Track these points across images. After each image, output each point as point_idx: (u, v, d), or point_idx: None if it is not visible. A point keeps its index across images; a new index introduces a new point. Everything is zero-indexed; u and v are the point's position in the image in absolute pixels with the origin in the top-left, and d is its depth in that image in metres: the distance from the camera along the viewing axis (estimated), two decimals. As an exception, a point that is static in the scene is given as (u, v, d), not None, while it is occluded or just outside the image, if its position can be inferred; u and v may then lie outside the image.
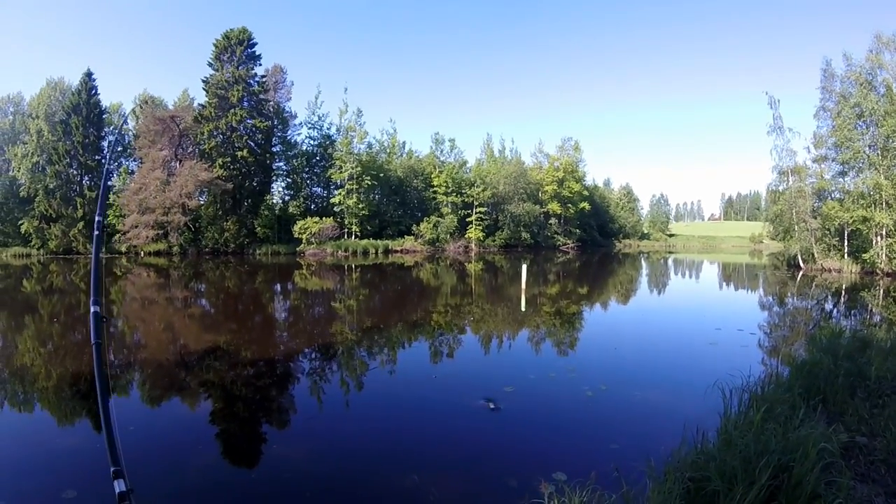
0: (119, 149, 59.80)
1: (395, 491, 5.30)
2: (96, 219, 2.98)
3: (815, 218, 37.52)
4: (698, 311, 19.74)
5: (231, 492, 5.35)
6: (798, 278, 32.47)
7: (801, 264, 38.28)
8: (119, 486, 1.97)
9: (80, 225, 49.36)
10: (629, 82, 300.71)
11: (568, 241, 77.42)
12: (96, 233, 2.91)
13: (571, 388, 8.47)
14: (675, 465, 4.43)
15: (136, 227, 47.54)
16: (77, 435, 6.98)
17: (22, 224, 51.12)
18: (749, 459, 4.06)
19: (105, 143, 55.91)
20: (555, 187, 75.02)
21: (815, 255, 37.26)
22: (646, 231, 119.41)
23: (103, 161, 55.12)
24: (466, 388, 8.52)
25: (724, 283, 34.21)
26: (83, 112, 51.00)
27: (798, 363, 7.69)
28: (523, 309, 18.95)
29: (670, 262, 55.91)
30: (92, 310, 2.50)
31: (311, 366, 11.06)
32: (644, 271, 42.94)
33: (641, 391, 8.40)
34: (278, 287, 28.36)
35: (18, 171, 53.88)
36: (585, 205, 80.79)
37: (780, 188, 41.42)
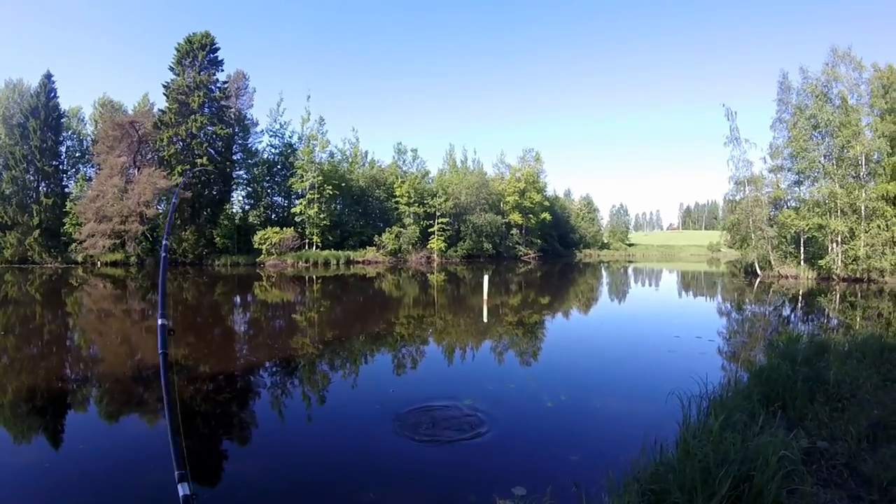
0: (77, 154, 58.51)
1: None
2: (163, 242, 3.32)
3: (772, 226, 38.63)
4: (657, 320, 20.07)
5: None
6: (755, 285, 33.29)
7: (759, 271, 39.28)
8: (183, 489, 2.03)
9: (37, 233, 47.95)
10: (590, 94, 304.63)
11: (529, 252, 77.87)
12: (163, 255, 3.22)
13: (532, 398, 8.53)
14: (634, 477, 4.46)
15: (93, 235, 46.38)
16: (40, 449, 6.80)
17: (-26, 232, 49.38)
18: (709, 470, 4.05)
19: (63, 149, 54.69)
20: (516, 198, 75.44)
21: (772, 262, 38.32)
22: (606, 241, 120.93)
23: (61, 167, 54.06)
24: (426, 401, 8.45)
25: (683, 291, 34.84)
26: (41, 115, 49.77)
27: (756, 369, 7.78)
28: (485, 319, 19.04)
29: (630, 271, 56.76)
30: (159, 322, 2.83)
31: (270, 380, 10.97)
32: (604, 280, 43.55)
33: (602, 401, 8.53)
34: (238, 299, 28.02)
35: (-29, 176, 51.98)
36: (546, 215, 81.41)
37: (737, 197, 42.63)
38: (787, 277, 35.96)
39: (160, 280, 2.98)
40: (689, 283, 42.09)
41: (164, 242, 3.29)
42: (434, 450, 6.50)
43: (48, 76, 51.42)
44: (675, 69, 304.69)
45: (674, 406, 6.14)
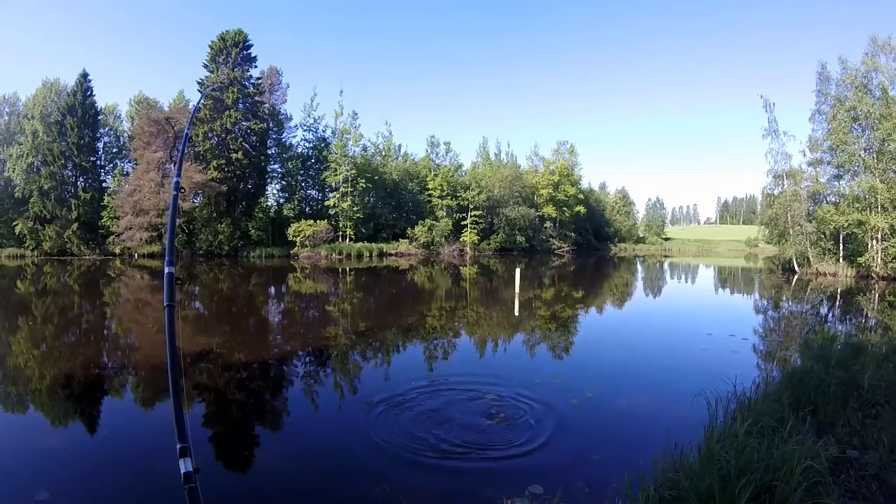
0: (114, 150, 59.61)
1: (363, 499, 5.25)
2: (174, 180, 3.04)
3: (811, 221, 37.61)
4: (691, 316, 19.73)
5: (226, 491, 5.33)
6: (793, 282, 32.55)
7: (797, 268, 38.34)
8: (185, 465, 1.91)
9: (75, 226, 49.26)
10: (625, 86, 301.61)
11: (563, 245, 77.29)
12: (174, 192, 3.00)
13: (557, 394, 8.33)
14: (652, 481, 4.34)
15: (130, 228, 47.38)
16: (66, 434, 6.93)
17: (16, 225, 51.04)
18: (728, 478, 3.87)
19: (100, 145, 55.80)
20: (550, 191, 74.90)
21: (811, 259, 37.36)
22: (641, 235, 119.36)
23: (98, 162, 55.19)
24: (450, 393, 8.45)
25: (719, 287, 34.27)
26: (78, 113, 50.91)
27: (788, 371, 7.53)
28: (517, 313, 18.93)
29: (665, 266, 56.00)
30: (166, 270, 2.53)
31: (303, 369, 11.04)
32: (638, 275, 43.01)
33: (627, 399, 8.32)
34: (272, 290, 28.31)
35: (13, 172, 53.47)
36: (581, 208, 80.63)
37: (776, 192, 41.45)
38: (825, 275, 35.02)
39: (169, 223, 2.80)
40: (724, 278, 41.36)
41: (174, 179, 3.06)
42: (453, 442, 6.42)
43: (84, 75, 52.56)
44: (714, 60, 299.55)
45: (699, 408, 6.00)
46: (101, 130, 57.14)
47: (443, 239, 63.07)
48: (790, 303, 23.67)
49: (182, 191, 2.90)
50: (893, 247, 31.18)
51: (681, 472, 4.25)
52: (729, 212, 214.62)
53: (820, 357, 7.71)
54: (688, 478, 4.07)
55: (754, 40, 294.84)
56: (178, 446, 1.94)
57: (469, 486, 5.42)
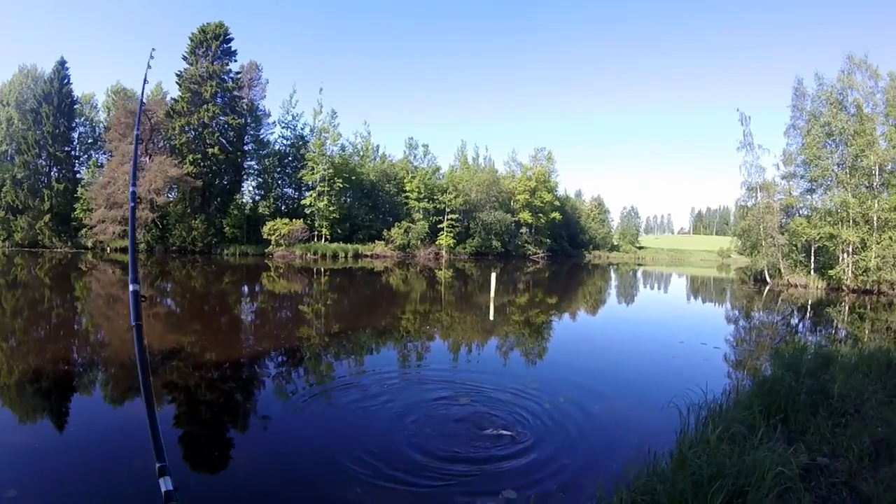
0: (89, 140, 58.71)
1: (335, 501, 5.28)
2: (130, 189, 2.96)
3: (783, 234, 38.33)
4: (663, 324, 19.96)
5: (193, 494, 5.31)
6: (764, 293, 33.05)
7: (768, 279, 38.98)
8: (165, 484, 1.84)
9: (47, 218, 48.43)
10: (603, 95, 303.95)
11: (538, 251, 77.61)
12: (131, 204, 2.88)
13: (530, 399, 8.38)
14: (625, 486, 4.36)
15: (103, 221, 46.70)
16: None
17: (-13, 215, 49.87)
18: (701, 483, 3.93)
19: (75, 135, 54.92)
20: (527, 196, 75.23)
21: (782, 271, 38.00)
22: (616, 243, 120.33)
23: (73, 153, 54.33)
24: (424, 397, 8.48)
25: (691, 297, 34.68)
26: (55, 101, 50.13)
27: (759, 380, 7.64)
28: (492, 318, 19.01)
29: (639, 274, 56.48)
30: (131, 288, 2.46)
31: (274, 370, 10.99)
32: (612, 283, 43.37)
33: (600, 405, 8.37)
34: (245, 288, 28.10)
35: (-16, 160, 52.37)
36: (557, 215, 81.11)
37: (749, 203, 42.26)
38: (796, 286, 35.65)
39: (130, 239, 2.70)
40: (697, 288, 41.88)
41: (131, 189, 2.95)
42: (425, 446, 6.43)
43: (62, 62, 51.77)
44: (691, 72, 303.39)
45: (671, 415, 6.04)
46: (77, 120, 56.31)
47: (419, 241, 63.06)
48: (761, 313, 24.02)
49: (138, 201, 2.87)
50: (864, 260, 31.83)
51: (654, 477, 4.30)
52: (703, 222, 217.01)
53: (791, 366, 7.85)
54: (661, 482, 4.12)
55: (732, 53, 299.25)
56: (157, 465, 1.88)
57: (442, 491, 5.42)
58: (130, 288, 2.45)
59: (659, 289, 40.51)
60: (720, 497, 3.75)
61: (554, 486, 5.45)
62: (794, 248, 38.09)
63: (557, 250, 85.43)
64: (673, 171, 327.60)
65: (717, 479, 3.92)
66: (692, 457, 4.41)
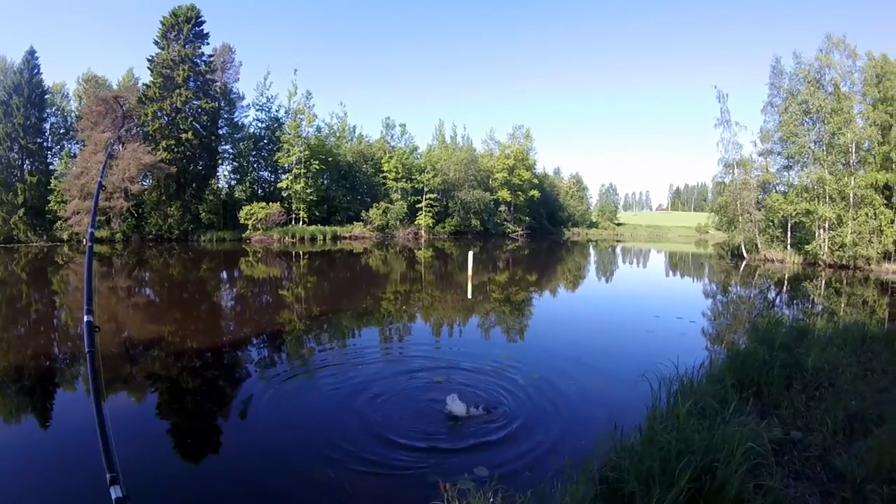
0: (61, 131, 57.55)
1: (311, 479, 5.41)
2: (89, 230, 3.06)
3: (760, 209, 38.82)
4: (640, 299, 20.21)
5: (178, 486, 5.39)
6: (741, 268, 33.52)
7: (745, 254, 39.49)
8: (115, 492, 1.96)
9: (21, 212, 47.30)
10: (581, 72, 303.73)
11: (517, 229, 77.74)
12: (89, 244, 2.98)
13: (505, 377, 8.55)
14: (594, 463, 4.42)
15: (78, 213, 45.71)
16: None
17: (-49, 212, 48.75)
18: (668, 459, 3.89)
19: (47, 125, 53.82)
20: (505, 175, 75.13)
21: (759, 246, 38.53)
22: (594, 220, 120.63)
23: (45, 144, 53.12)
24: (400, 377, 8.62)
25: (669, 272, 35.09)
26: (24, 92, 48.72)
27: (731, 354, 7.67)
28: (469, 296, 19.11)
29: (617, 250, 56.96)
30: (85, 319, 2.61)
31: (255, 354, 11.11)
32: (591, 259, 43.75)
33: (574, 380, 8.55)
34: (224, 275, 28.00)
35: (-45, 155, 51.06)
36: (535, 193, 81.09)
37: (726, 180, 42.65)
38: (773, 261, 36.15)
39: (86, 271, 2.83)
40: (675, 263, 42.36)
41: (89, 230, 3.07)
42: (400, 426, 6.54)
43: (31, 52, 50.23)
44: (669, 48, 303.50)
45: (645, 389, 6.01)
46: (48, 110, 54.86)
47: (398, 222, 62.87)
48: (738, 287, 24.37)
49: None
50: (840, 236, 32.30)
51: (622, 454, 4.29)
52: (681, 198, 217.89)
53: (765, 340, 7.88)
54: (628, 458, 4.11)
55: (711, 29, 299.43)
56: (108, 475, 2.01)
57: (414, 469, 5.52)
58: (85, 318, 2.62)
59: (637, 264, 40.93)
60: (688, 473, 3.71)
61: (526, 462, 5.54)
62: (771, 223, 38.62)
63: (537, 228, 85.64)
64: (651, 148, 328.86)
65: (685, 455, 3.89)
66: (661, 432, 4.35)
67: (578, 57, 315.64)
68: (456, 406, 6.71)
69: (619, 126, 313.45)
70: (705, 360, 8.71)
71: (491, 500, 3.84)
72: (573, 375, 8.80)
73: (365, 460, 5.69)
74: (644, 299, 20.18)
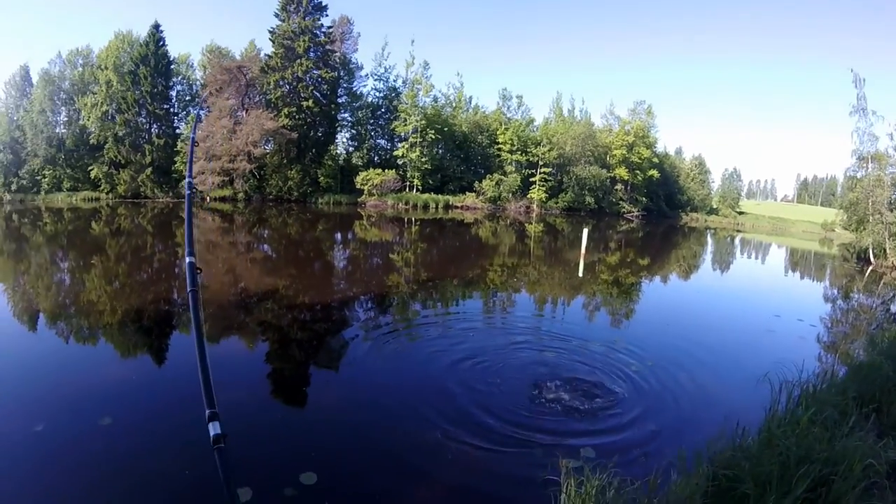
0: (187, 98, 60.69)
1: (418, 442, 5.34)
2: (187, 180, 3.22)
3: (892, 211, 35.24)
4: (759, 295, 18.88)
5: (283, 429, 5.46)
6: (866, 273, 30.75)
7: (872, 259, 36.01)
8: (214, 428, 1.97)
9: (149, 171, 50.81)
10: (709, 50, 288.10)
11: (633, 209, 74.95)
12: (188, 192, 3.10)
13: (616, 360, 8.13)
14: (708, 458, 4.27)
15: (203, 173, 48.43)
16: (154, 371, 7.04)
17: (91, 170, 53.07)
18: (788, 465, 3.77)
19: (173, 93, 56.92)
20: (624, 152, 72.29)
21: (888, 251, 35.07)
22: (715, 206, 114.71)
23: (171, 110, 56.41)
24: (509, 351, 8.36)
25: (789, 269, 32.78)
26: (151, 63, 51.91)
27: (855, 364, 7.15)
28: (581, 275, 18.47)
29: (737, 241, 54.00)
30: (187, 260, 2.63)
31: (363, 315, 11.07)
32: (709, 248, 41.66)
33: (688, 372, 7.99)
34: (338, 236, 28.54)
35: (88, 120, 54.91)
36: (654, 172, 77.70)
37: (859, 175, 38.88)
38: (901, 270, 32.89)
39: (186, 216, 2.81)
40: (796, 261, 39.54)
41: (188, 180, 3.20)
42: (509, 401, 6.31)
43: (156, 26, 53.39)
44: (802, 27, 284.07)
45: (762, 389, 5.77)
46: (174, 79, 58.31)
47: (510, 194, 62.22)
48: (860, 295, 22.35)
49: (193, 190, 2.96)
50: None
51: (738, 453, 4.16)
52: (808, 191, 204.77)
53: (889, 354, 7.28)
54: (745, 459, 4.01)
55: (846, 7, 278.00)
56: (207, 412, 2.03)
57: (523, 446, 5.33)
58: (187, 260, 2.65)
59: (756, 258, 38.55)
60: (805, 483, 3.59)
61: (636, 450, 5.36)
62: None
63: (653, 209, 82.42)
64: (780, 133, 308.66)
65: (804, 464, 3.76)
66: (780, 437, 4.23)
67: (706, 30, 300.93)
68: None
69: (747, 108, 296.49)
70: (823, 366, 8.09)
71: (606, 480, 3.69)
72: (687, 367, 8.20)
73: (472, 429, 5.55)
74: (762, 296, 18.83)
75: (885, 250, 34.88)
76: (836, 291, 22.93)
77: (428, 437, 5.33)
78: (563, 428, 5.71)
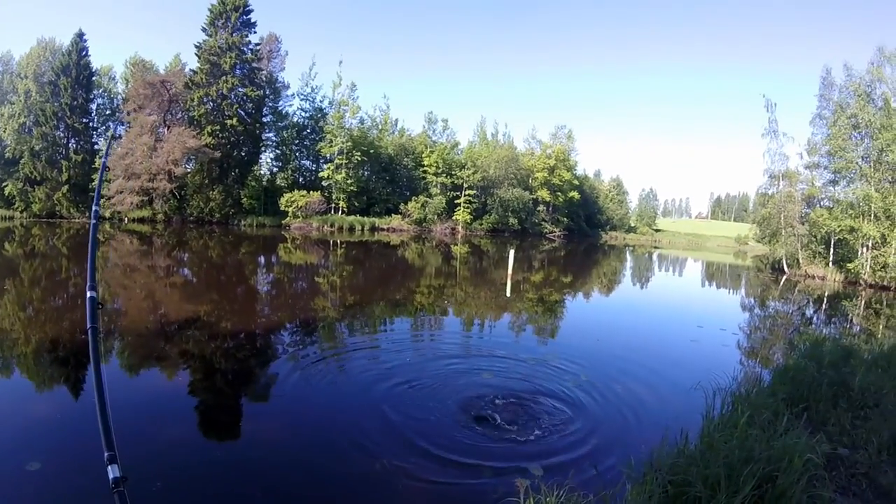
0: (107, 112, 58.92)
1: (359, 476, 5.19)
2: (94, 208, 3.00)
3: (803, 224, 37.52)
4: (681, 308, 19.81)
5: (207, 469, 5.30)
6: (781, 282, 32.61)
7: (786, 269, 38.29)
8: (113, 471, 1.94)
9: (65, 188, 48.72)
10: (625, 74, 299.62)
11: (555, 230, 76.74)
12: (93, 221, 2.88)
13: (552, 378, 8.32)
14: (655, 467, 4.40)
15: (121, 192, 46.90)
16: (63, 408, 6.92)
17: (5, 186, 50.80)
18: (733, 466, 3.97)
19: (93, 106, 55.13)
20: (545, 174, 74.19)
21: (800, 261, 37.27)
22: (633, 224, 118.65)
23: (91, 124, 54.53)
24: (445, 373, 8.41)
25: (707, 282, 34.35)
26: (73, 73, 49.93)
27: (781, 368, 7.58)
28: (508, 294, 18.94)
29: (655, 256, 56.03)
30: (88, 294, 2.49)
31: (289, 340, 10.98)
32: (629, 264, 43.14)
33: (623, 385, 8.28)
34: (262, 259, 28.21)
35: (4, 132, 52.85)
36: (575, 194, 80.00)
37: (771, 192, 41.28)
38: (813, 277, 34.84)
39: (90, 247, 2.69)
40: (713, 273, 41.44)
41: (94, 208, 3.00)
42: (448, 423, 6.38)
43: (80, 35, 51.45)
44: (715, 55, 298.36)
45: (696, 398, 6.03)
46: (95, 92, 56.39)
47: (435, 216, 62.79)
48: (777, 302, 23.74)
49: (99, 219, 2.93)
50: (883, 256, 31.16)
51: (683, 459, 4.33)
52: (721, 207, 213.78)
53: (812, 356, 7.87)
54: (691, 464, 4.16)
55: (758, 36, 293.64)
56: (106, 454, 1.99)
57: (465, 466, 5.36)
58: (87, 294, 2.51)
59: (675, 272, 40.18)
60: (752, 481, 3.79)
61: (582, 463, 5.44)
62: (814, 238, 37.19)
63: (574, 229, 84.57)
64: (693, 154, 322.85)
65: (748, 463, 3.95)
66: (720, 440, 4.47)
67: (622, 58, 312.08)
68: None
69: (662, 131, 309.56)
70: (750, 372, 8.68)
71: (564, 497, 3.85)
72: (621, 380, 8.52)
73: (413, 454, 5.59)
74: (684, 308, 19.79)
75: (797, 260, 37.12)
76: (753, 300, 24.26)
77: (371, 468, 5.26)
78: (508, 448, 5.77)
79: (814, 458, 4.19)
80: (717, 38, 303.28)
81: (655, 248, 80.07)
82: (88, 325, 2.41)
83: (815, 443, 4.61)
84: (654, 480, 4.07)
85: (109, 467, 1.95)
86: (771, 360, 10.75)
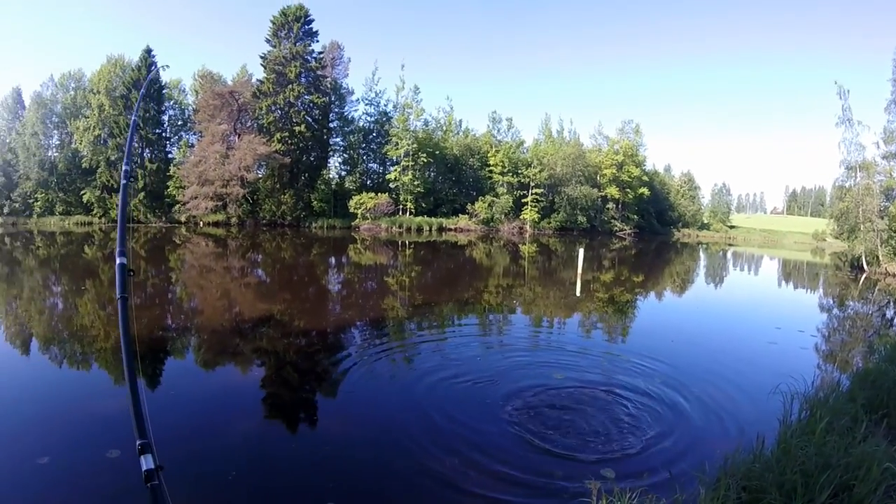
0: (179, 123, 60.98)
1: (434, 471, 5.11)
2: (123, 168, 2.79)
3: (882, 218, 35.30)
4: (757, 308, 18.92)
5: (275, 463, 5.27)
6: (860, 281, 30.81)
7: (865, 266, 36.02)
8: (146, 462, 1.69)
9: (141, 195, 50.83)
10: (693, 67, 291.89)
11: (625, 227, 75.14)
12: (123, 182, 2.74)
13: (624, 379, 8.09)
14: (729, 472, 4.25)
15: (196, 198, 48.57)
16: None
17: (84, 194, 53.42)
18: (810, 473, 3.85)
19: (165, 118, 57.17)
20: (613, 171, 72.64)
21: (880, 258, 35.09)
22: (706, 221, 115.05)
23: (164, 134, 56.85)
24: (516, 371, 8.33)
25: (784, 281, 32.84)
26: (143, 87, 52.13)
27: (861, 372, 7.17)
28: (578, 293, 18.49)
29: (730, 254, 54.09)
30: (118, 261, 2.32)
31: (359, 338, 10.96)
32: (702, 263, 41.75)
33: (697, 387, 7.95)
34: (332, 260, 28.47)
35: (80, 144, 55.52)
36: (644, 190, 78.12)
37: (847, 184, 38.97)
38: (894, 276, 32.88)
39: (119, 213, 2.58)
40: (789, 272, 39.62)
41: (124, 167, 2.79)
42: (517, 422, 6.25)
43: (148, 51, 53.87)
44: (786, 43, 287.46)
45: (772, 401, 5.88)
46: (167, 104, 58.78)
47: (502, 216, 62.46)
48: (856, 302, 22.39)
49: (132, 180, 2.63)
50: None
51: (758, 465, 4.22)
52: (797, 202, 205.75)
53: (893, 360, 7.48)
54: (767, 470, 4.08)
55: (831, 21, 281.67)
56: (138, 443, 1.73)
57: (537, 466, 5.26)
58: (117, 261, 2.31)
59: (751, 271, 38.63)
60: (829, 489, 3.70)
61: (656, 466, 5.28)
62: (894, 234, 35.07)
63: (645, 227, 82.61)
64: (767, 147, 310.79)
65: (825, 471, 3.86)
66: (797, 447, 4.33)
67: (691, 49, 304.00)
68: None
69: (734, 122, 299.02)
70: (828, 376, 8.34)
71: (637, 499, 3.75)
72: (695, 382, 8.18)
73: (485, 452, 5.50)
74: (761, 308, 18.86)
75: (877, 257, 34.91)
76: (832, 300, 22.99)
77: (445, 462, 5.24)
78: (580, 449, 5.64)
79: (892, 466, 3.99)
80: (786, 25, 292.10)
81: (730, 245, 77.41)
82: (118, 295, 2.17)
83: (894, 451, 4.40)
84: (729, 486, 3.91)
85: (142, 457, 1.72)
86: (850, 363, 10.22)
